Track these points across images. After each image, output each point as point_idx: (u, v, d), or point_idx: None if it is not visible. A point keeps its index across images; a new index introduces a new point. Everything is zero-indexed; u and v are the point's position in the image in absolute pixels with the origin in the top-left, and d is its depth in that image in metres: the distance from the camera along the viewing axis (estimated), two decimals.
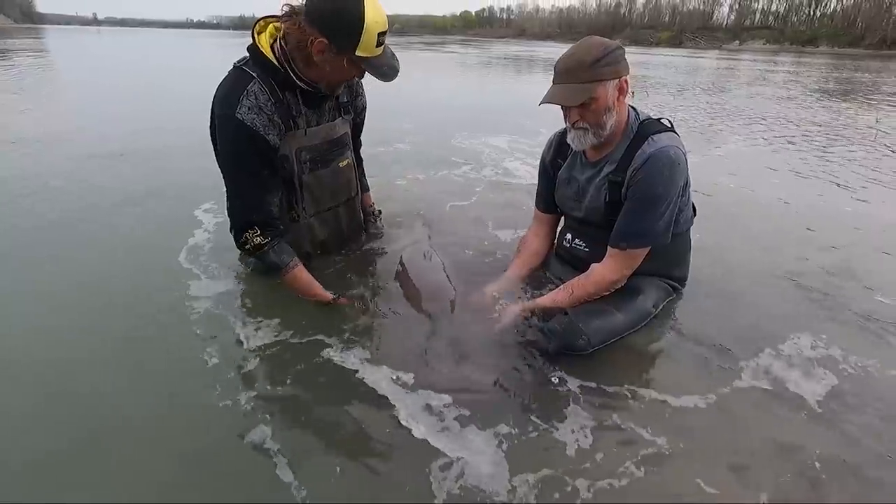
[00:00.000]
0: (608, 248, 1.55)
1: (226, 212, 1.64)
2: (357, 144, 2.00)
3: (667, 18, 70.13)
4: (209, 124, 1.60)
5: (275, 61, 1.51)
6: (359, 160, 2.04)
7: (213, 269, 1.89)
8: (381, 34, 1.44)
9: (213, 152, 1.63)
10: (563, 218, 1.83)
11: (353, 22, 1.39)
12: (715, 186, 3.22)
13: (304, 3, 1.44)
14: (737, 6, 62.84)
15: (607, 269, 1.55)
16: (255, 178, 1.55)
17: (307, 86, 1.56)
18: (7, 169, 3.14)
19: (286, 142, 1.60)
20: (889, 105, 7.85)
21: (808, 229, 2.57)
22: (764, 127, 5.52)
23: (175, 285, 1.77)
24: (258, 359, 1.42)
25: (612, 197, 1.53)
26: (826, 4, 54.32)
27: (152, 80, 8.88)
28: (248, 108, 1.47)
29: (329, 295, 1.65)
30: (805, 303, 1.84)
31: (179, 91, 7.39)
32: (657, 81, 10.75)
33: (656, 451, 1.16)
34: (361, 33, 1.40)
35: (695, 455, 1.16)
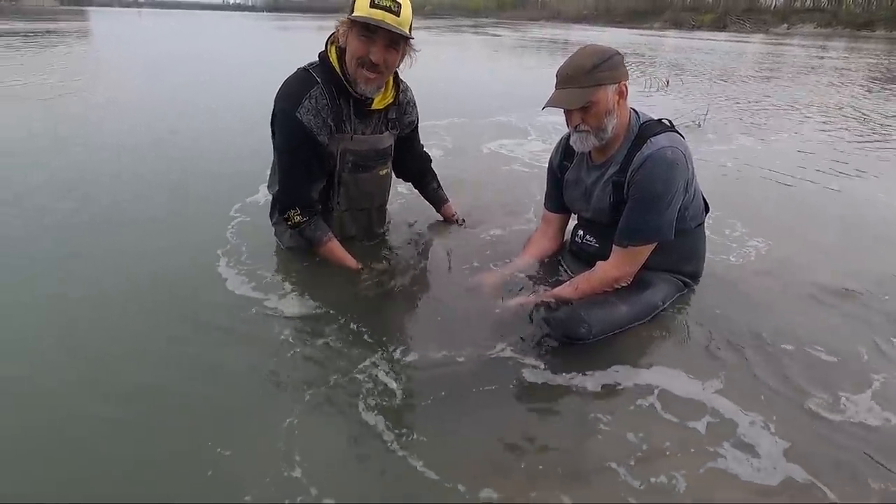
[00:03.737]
0: (613, 245, 1.59)
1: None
2: (420, 155, 2.15)
3: (710, 0, 67.05)
4: (271, 113, 1.78)
5: (339, 70, 1.69)
6: (428, 171, 2.20)
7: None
8: None
9: (270, 137, 1.83)
10: (575, 215, 1.87)
11: None
12: (754, 179, 3.15)
13: None
14: None
15: (611, 266, 1.59)
16: (302, 169, 1.76)
17: (355, 92, 1.70)
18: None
19: (334, 142, 1.78)
20: None
21: (859, 233, 2.44)
22: (822, 118, 5.31)
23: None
24: (285, 329, 1.55)
25: (616, 197, 1.59)
26: None
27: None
28: (307, 110, 1.68)
29: (358, 264, 1.85)
30: (825, 306, 1.79)
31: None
32: (693, 68, 10.37)
33: (649, 445, 1.19)
34: None
35: (689, 450, 1.18)
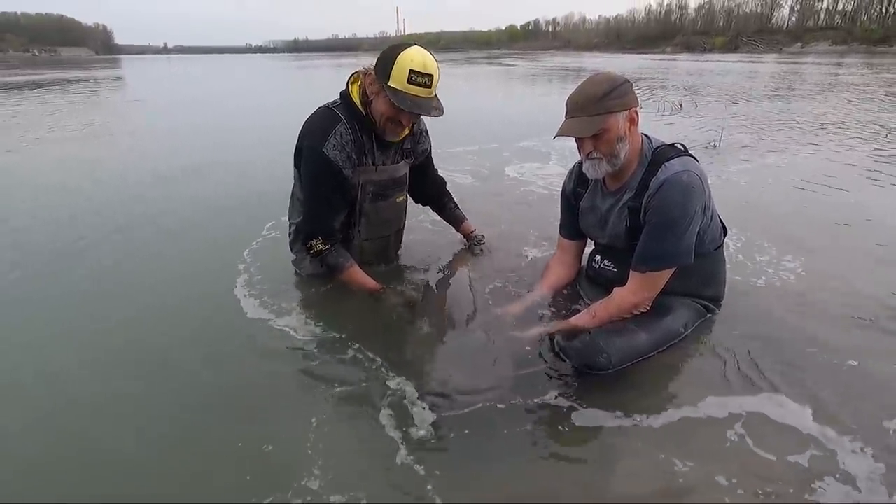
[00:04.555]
0: (630, 271, 1.56)
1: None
2: (435, 180, 2.25)
3: (721, 23, 67.61)
4: (294, 150, 1.86)
5: (360, 107, 1.78)
6: (444, 193, 2.29)
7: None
8: (416, 73, 1.64)
9: (295, 172, 1.92)
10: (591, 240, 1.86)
11: (391, 57, 1.65)
12: (774, 199, 3.09)
13: None
14: (798, 7, 59.72)
15: (628, 292, 1.56)
16: (327, 201, 1.83)
17: (376, 130, 1.80)
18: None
19: (357, 174, 1.85)
20: None
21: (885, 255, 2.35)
22: (843, 135, 5.23)
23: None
24: (301, 349, 1.63)
25: (633, 223, 1.57)
26: None
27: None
28: (334, 146, 1.76)
29: (379, 285, 1.88)
30: (851, 332, 1.71)
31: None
32: (704, 90, 10.37)
33: (675, 478, 1.14)
34: (394, 65, 1.64)
35: (714, 482, 1.13)
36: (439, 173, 2.27)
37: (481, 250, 2.29)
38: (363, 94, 1.77)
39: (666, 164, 1.50)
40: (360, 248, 2.01)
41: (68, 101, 9.81)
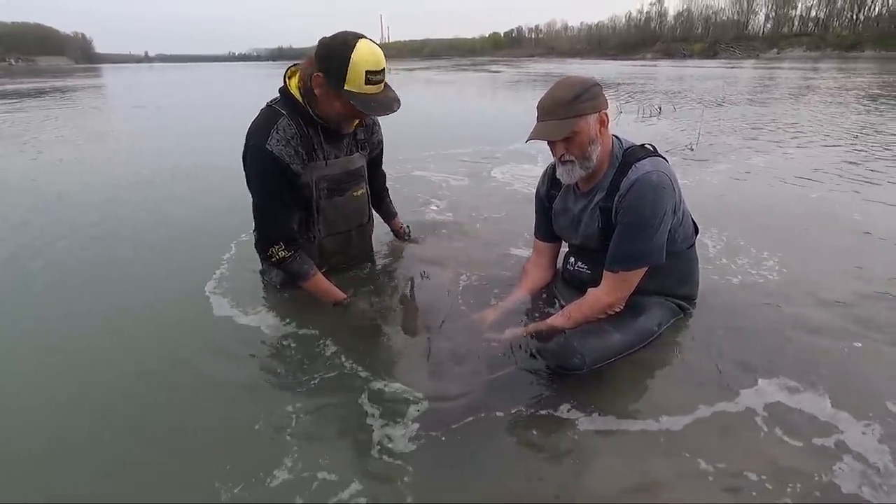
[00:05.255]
0: (604, 271, 1.57)
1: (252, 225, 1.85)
2: (380, 174, 2.21)
3: (699, 30, 69.06)
4: (242, 154, 1.78)
5: (301, 100, 1.71)
6: (384, 188, 2.28)
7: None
8: (371, 73, 1.58)
9: (245, 178, 1.81)
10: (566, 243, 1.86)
11: (341, 58, 1.56)
12: (748, 199, 3.14)
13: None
14: (773, 14, 61.31)
15: (602, 292, 1.57)
16: (279, 201, 1.74)
17: (322, 122, 1.74)
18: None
19: (308, 171, 1.79)
20: None
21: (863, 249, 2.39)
22: (819, 136, 5.35)
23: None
24: (278, 359, 1.58)
25: (605, 224, 1.58)
26: (871, 7, 52.25)
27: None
28: (277, 141, 1.68)
29: (343, 294, 1.82)
30: (825, 327, 1.73)
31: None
32: (687, 95, 10.57)
33: (651, 476, 1.14)
34: (347, 70, 1.56)
35: (690, 480, 1.13)
36: (383, 168, 2.22)
37: (413, 239, 2.39)
38: (306, 89, 1.69)
39: (636, 164, 1.52)
40: (321, 247, 1.96)
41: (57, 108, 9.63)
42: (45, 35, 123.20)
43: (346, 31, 1.61)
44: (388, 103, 1.65)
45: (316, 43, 1.64)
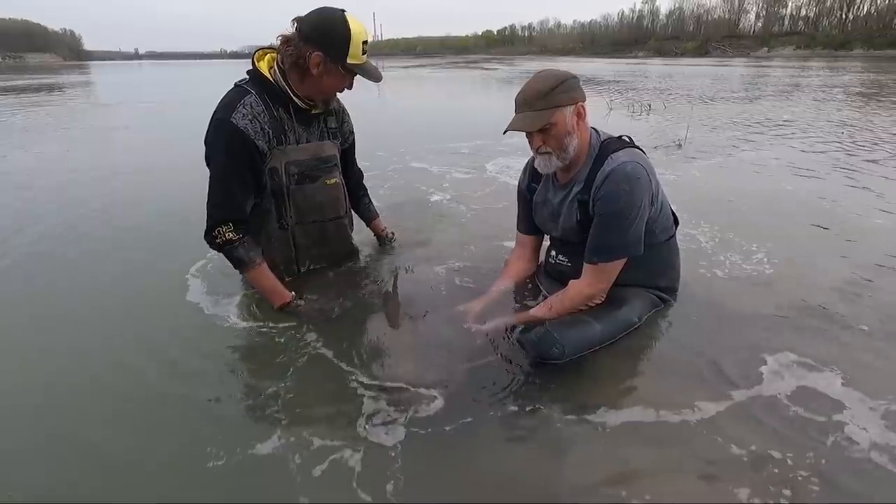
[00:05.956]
0: (584, 263, 1.58)
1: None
2: (355, 171, 2.17)
3: (691, 28, 69.45)
4: (205, 131, 1.70)
5: (271, 80, 1.70)
6: (360, 187, 2.22)
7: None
8: (365, 43, 1.68)
9: (205, 156, 1.72)
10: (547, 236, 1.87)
11: (342, 34, 1.62)
12: (734, 194, 3.17)
13: (295, 29, 1.64)
14: (763, 13, 61.76)
15: (583, 284, 1.57)
16: (238, 180, 1.69)
17: (302, 101, 1.74)
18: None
19: (277, 156, 1.75)
20: None
21: (847, 240, 2.42)
22: (808, 133, 5.39)
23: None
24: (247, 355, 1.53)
25: (583, 215, 1.58)
26: (860, 7, 52.82)
27: None
28: (243, 116, 1.65)
29: (290, 294, 1.75)
30: (804, 317, 1.74)
31: None
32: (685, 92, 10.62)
33: (631, 465, 1.15)
34: (349, 44, 1.63)
35: (669, 469, 1.14)
36: (358, 165, 2.18)
37: (393, 246, 2.32)
38: (288, 69, 1.67)
39: (612, 155, 1.52)
40: (292, 233, 1.90)
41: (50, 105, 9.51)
42: (33, 32, 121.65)
43: (325, 8, 1.64)
44: (378, 71, 1.75)
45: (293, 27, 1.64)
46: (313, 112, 1.82)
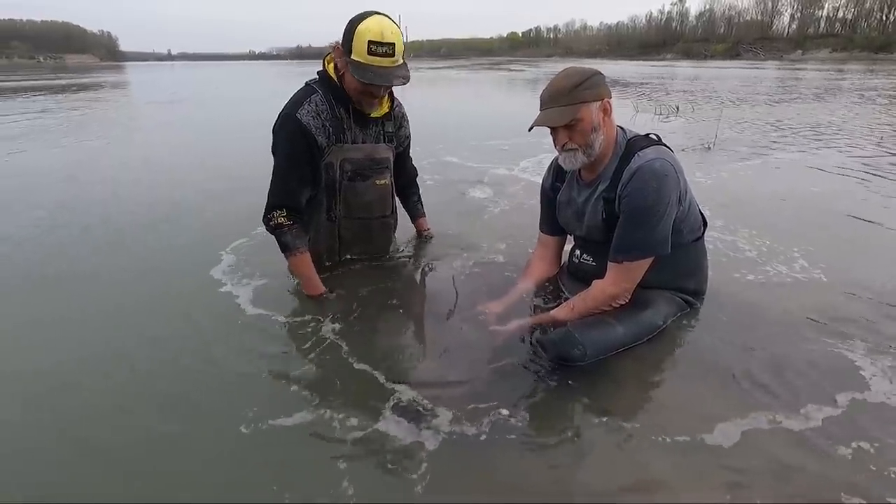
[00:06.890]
0: (608, 262, 1.54)
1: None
2: (409, 169, 2.24)
3: (722, 30, 67.90)
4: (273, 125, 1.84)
5: (336, 81, 1.80)
6: (413, 184, 2.30)
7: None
8: (374, 43, 1.63)
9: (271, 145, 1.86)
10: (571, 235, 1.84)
11: (350, 29, 1.66)
12: (765, 198, 3.08)
13: None
14: (798, 14, 59.97)
15: (607, 283, 1.54)
16: (297, 171, 1.81)
17: (351, 101, 1.81)
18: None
19: (334, 152, 1.85)
20: None
21: (883, 246, 2.34)
22: (842, 138, 5.21)
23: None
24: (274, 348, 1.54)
25: (608, 214, 1.55)
26: None
27: None
28: (307, 112, 1.77)
29: (323, 288, 1.84)
30: (840, 326, 1.66)
31: None
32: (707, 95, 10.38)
33: (651, 471, 1.11)
34: (353, 38, 1.64)
35: (690, 477, 1.10)
36: (413, 163, 2.27)
37: (429, 243, 2.36)
38: (336, 68, 1.78)
39: (639, 153, 1.49)
40: (339, 225, 1.98)
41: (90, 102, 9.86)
42: (72, 33, 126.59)
43: (370, 10, 1.68)
44: (386, 75, 1.67)
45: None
46: (371, 116, 1.88)
